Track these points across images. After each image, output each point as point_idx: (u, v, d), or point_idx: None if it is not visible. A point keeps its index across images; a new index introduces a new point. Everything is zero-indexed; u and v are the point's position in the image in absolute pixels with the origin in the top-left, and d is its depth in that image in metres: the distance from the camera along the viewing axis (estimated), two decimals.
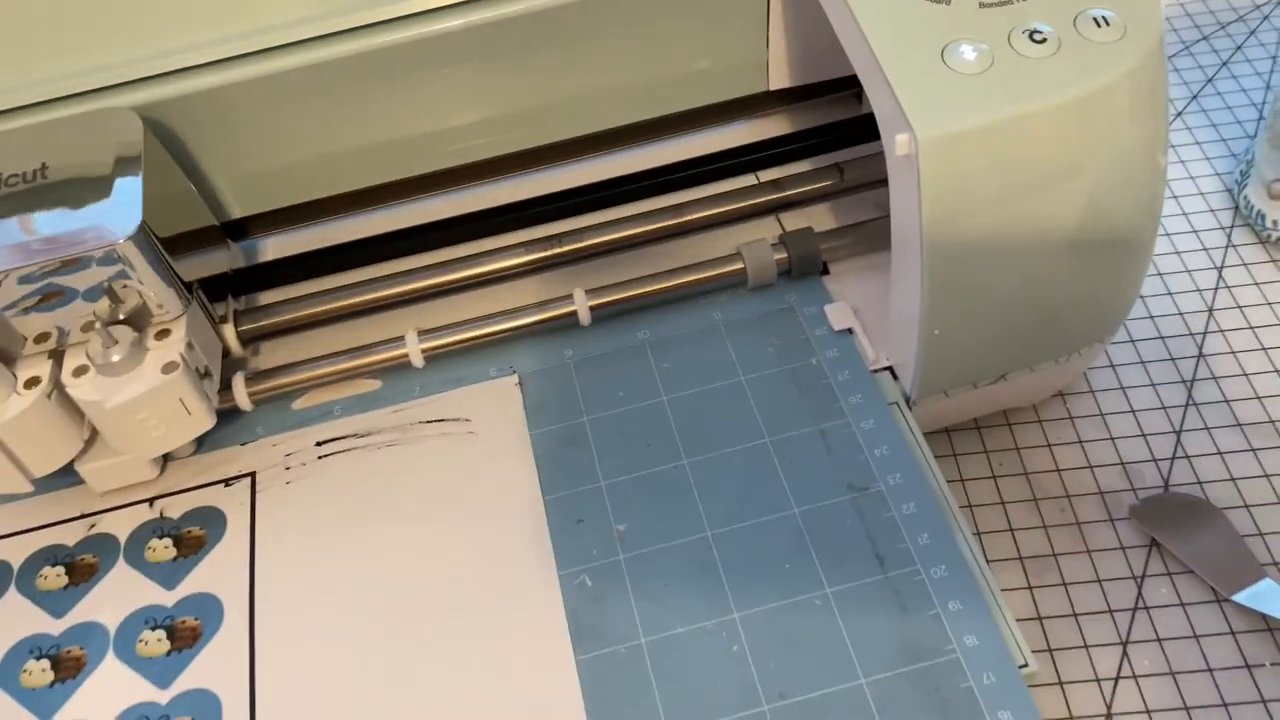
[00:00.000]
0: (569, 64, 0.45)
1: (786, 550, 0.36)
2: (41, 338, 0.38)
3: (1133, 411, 0.45)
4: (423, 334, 0.43)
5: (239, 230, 0.47)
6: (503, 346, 0.44)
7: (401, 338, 0.43)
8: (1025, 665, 0.33)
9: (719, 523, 0.37)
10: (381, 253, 0.47)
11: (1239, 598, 0.39)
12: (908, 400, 0.40)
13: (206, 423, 0.39)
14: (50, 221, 0.36)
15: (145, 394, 0.37)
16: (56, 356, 0.38)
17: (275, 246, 0.48)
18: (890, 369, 0.41)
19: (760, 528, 0.37)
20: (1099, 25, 0.35)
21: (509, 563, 0.37)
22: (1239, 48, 0.60)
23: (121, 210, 0.36)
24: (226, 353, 0.43)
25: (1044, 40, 0.35)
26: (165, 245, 0.38)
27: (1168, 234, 0.51)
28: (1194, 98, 0.58)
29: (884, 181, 0.37)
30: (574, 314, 0.43)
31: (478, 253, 0.46)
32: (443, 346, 0.43)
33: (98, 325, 0.37)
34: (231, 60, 0.41)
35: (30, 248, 0.36)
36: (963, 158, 0.34)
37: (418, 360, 0.43)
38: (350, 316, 0.45)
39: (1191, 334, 0.47)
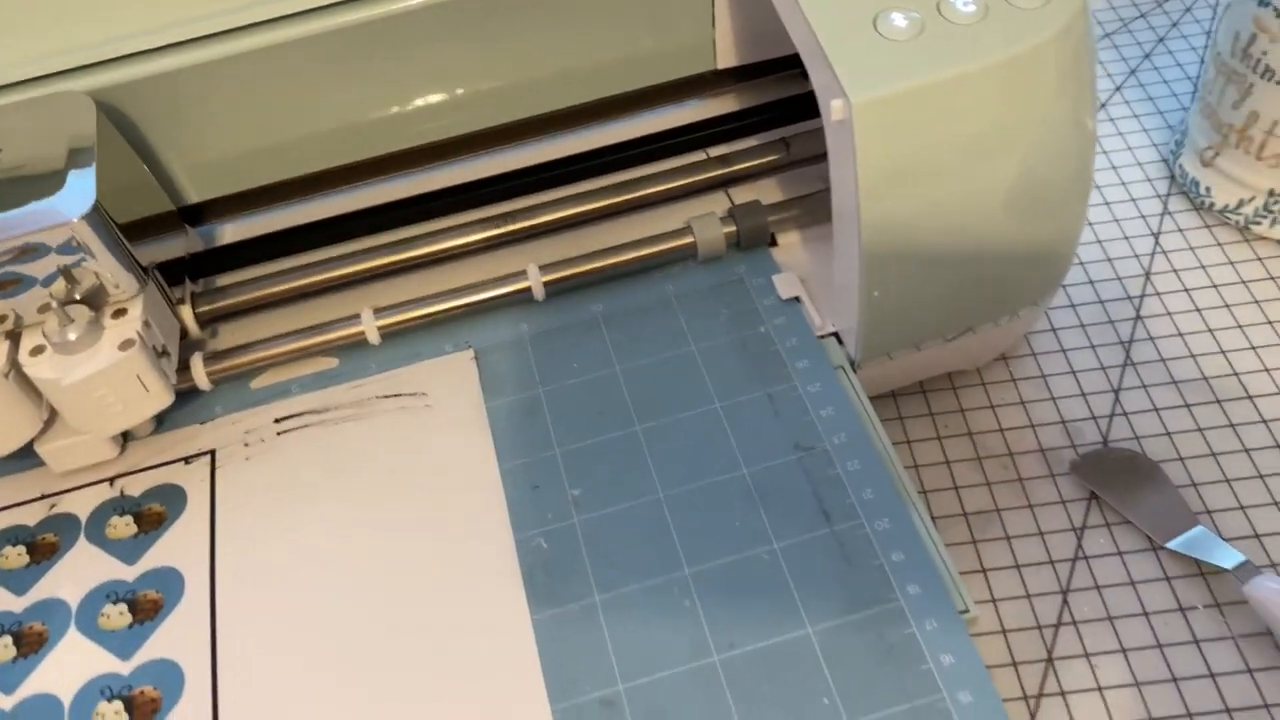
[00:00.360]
0: (518, 46, 0.45)
1: (736, 508, 0.37)
2: None
3: (1073, 372, 0.46)
4: (378, 311, 0.44)
5: (196, 215, 0.47)
6: (459, 322, 0.44)
7: (357, 315, 0.43)
8: (966, 611, 0.34)
9: (670, 485, 0.38)
10: (339, 233, 0.48)
11: (1173, 545, 0.40)
12: (853, 364, 0.41)
13: (164, 400, 0.40)
14: (3, 205, 0.37)
15: (102, 371, 0.37)
16: (13, 338, 0.38)
17: (233, 230, 0.48)
18: (836, 334, 0.42)
19: (710, 488, 0.38)
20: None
21: (466, 528, 0.38)
22: (1175, 24, 0.62)
23: (75, 191, 0.37)
24: (185, 334, 0.44)
25: (972, 7, 0.36)
26: (122, 231, 0.38)
27: (1106, 203, 0.53)
28: (1132, 73, 0.60)
29: (827, 155, 0.38)
30: (528, 289, 0.44)
31: (433, 231, 0.46)
32: (399, 323, 0.44)
33: (54, 305, 0.37)
34: (186, 44, 0.41)
35: None
36: (895, 121, 0.35)
37: (374, 337, 0.43)
38: (308, 296, 0.46)
39: (1129, 297, 0.49)
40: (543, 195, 0.48)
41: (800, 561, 0.36)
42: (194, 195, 0.46)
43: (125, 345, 0.38)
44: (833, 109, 0.35)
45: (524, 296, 0.44)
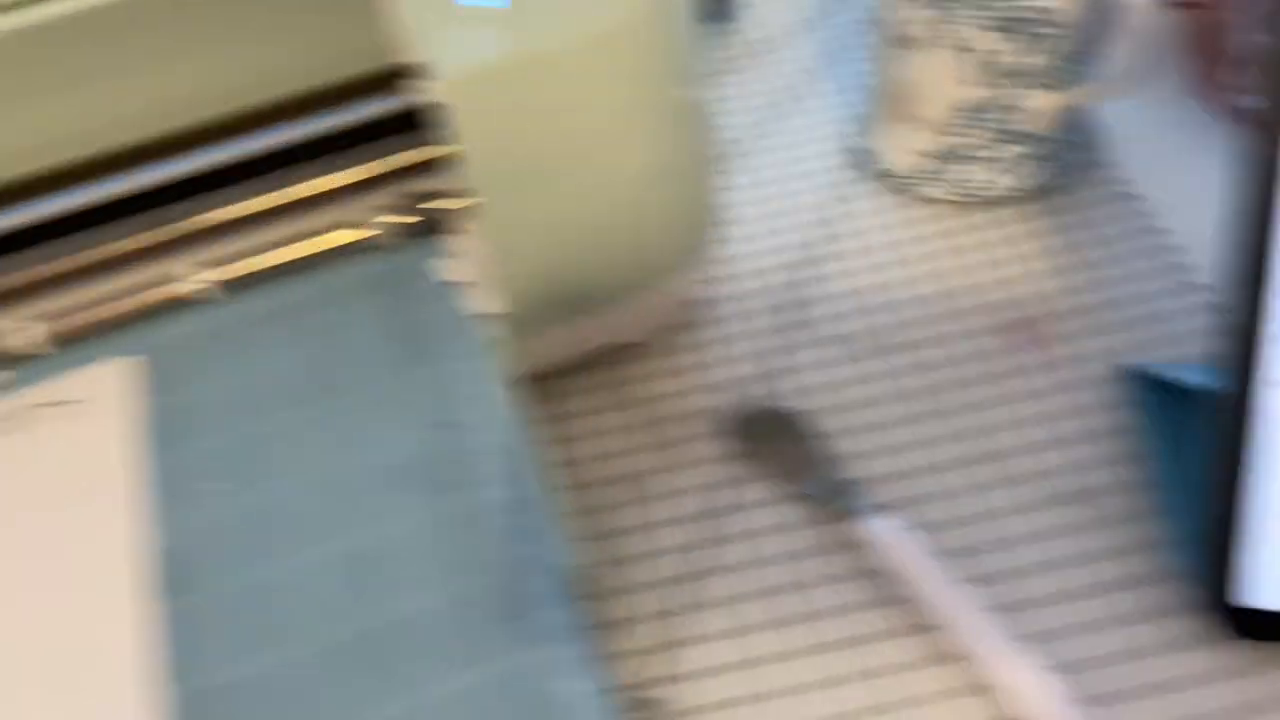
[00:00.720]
0: (180, 50, 0.46)
1: (376, 486, 0.38)
2: None
3: (741, 336, 0.49)
4: (46, 318, 0.44)
5: None
6: (129, 327, 0.45)
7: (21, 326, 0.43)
8: (577, 564, 0.36)
9: (314, 469, 0.39)
10: (12, 244, 0.47)
11: (813, 491, 0.42)
12: (505, 341, 0.43)
13: None
14: None
15: None
16: None
17: None
18: (491, 314, 0.43)
19: (351, 469, 0.39)
20: None
21: (99, 531, 0.38)
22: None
23: None
24: None
25: None
26: None
27: (792, 175, 0.55)
28: (831, 62, 0.62)
29: None
30: (198, 289, 0.45)
31: (109, 238, 0.46)
32: (62, 332, 0.44)
33: None
34: None
35: None
36: (483, 101, 0.36)
37: (37, 346, 0.43)
38: None
39: (799, 262, 0.51)
40: (217, 196, 0.48)
41: (430, 532, 0.37)
42: None
43: None
44: (425, 91, 0.36)
45: (196, 296, 0.45)
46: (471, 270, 0.45)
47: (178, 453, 0.40)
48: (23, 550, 0.38)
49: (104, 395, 0.42)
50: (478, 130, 0.37)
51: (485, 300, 0.44)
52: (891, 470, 0.43)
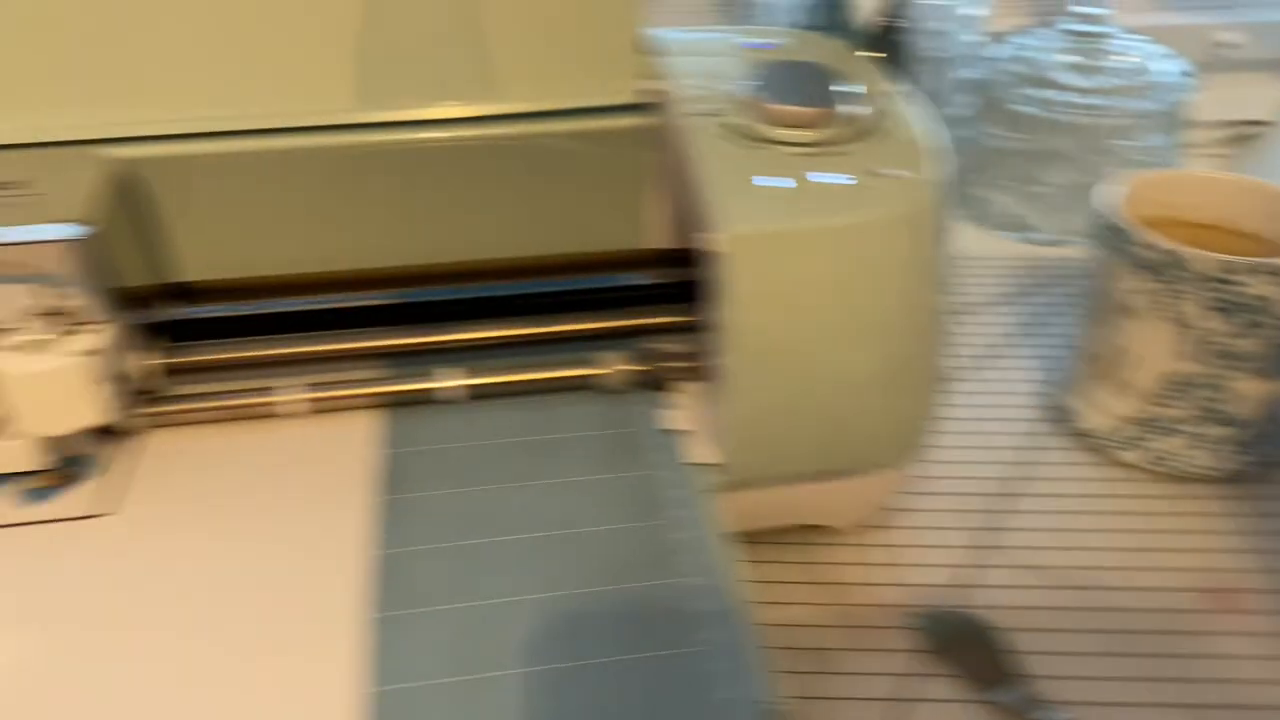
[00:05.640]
0: (470, 198, 0.53)
1: (594, 626, 0.39)
2: None
3: (935, 545, 0.50)
4: (311, 386, 0.48)
5: (177, 293, 0.53)
6: (375, 413, 0.49)
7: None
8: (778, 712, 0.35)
9: (535, 591, 0.40)
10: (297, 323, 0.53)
11: (1005, 700, 0.41)
12: (719, 493, 0.45)
13: (99, 417, 0.44)
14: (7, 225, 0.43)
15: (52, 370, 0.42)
16: None
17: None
18: (711, 465, 0.46)
19: (573, 601, 0.40)
20: (889, 176, 0.43)
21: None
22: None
23: (66, 226, 0.43)
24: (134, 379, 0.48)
25: (843, 179, 0.43)
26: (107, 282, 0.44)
27: (989, 419, 0.58)
28: (1031, 330, 0.67)
29: None
30: (448, 390, 0.49)
31: (378, 341, 0.52)
32: (325, 400, 0.48)
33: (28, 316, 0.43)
34: (195, 136, 0.49)
35: None
36: (759, 259, 0.41)
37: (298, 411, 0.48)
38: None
39: (1000, 493, 0.53)
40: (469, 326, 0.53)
41: (633, 676, 0.37)
42: (175, 275, 0.53)
43: (77, 355, 0.43)
44: (709, 241, 0.41)
45: (441, 396, 0.49)
46: (690, 421, 0.48)
47: (400, 547, 0.42)
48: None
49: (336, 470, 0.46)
50: (747, 295, 0.41)
51: (702, 451, 0.46)
52: (1083, 697, 0.42)
